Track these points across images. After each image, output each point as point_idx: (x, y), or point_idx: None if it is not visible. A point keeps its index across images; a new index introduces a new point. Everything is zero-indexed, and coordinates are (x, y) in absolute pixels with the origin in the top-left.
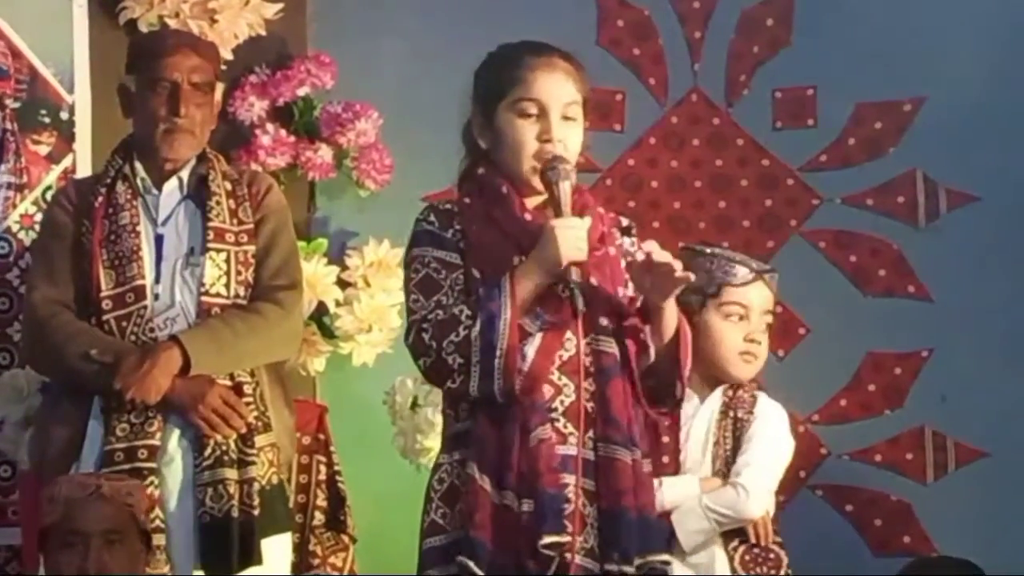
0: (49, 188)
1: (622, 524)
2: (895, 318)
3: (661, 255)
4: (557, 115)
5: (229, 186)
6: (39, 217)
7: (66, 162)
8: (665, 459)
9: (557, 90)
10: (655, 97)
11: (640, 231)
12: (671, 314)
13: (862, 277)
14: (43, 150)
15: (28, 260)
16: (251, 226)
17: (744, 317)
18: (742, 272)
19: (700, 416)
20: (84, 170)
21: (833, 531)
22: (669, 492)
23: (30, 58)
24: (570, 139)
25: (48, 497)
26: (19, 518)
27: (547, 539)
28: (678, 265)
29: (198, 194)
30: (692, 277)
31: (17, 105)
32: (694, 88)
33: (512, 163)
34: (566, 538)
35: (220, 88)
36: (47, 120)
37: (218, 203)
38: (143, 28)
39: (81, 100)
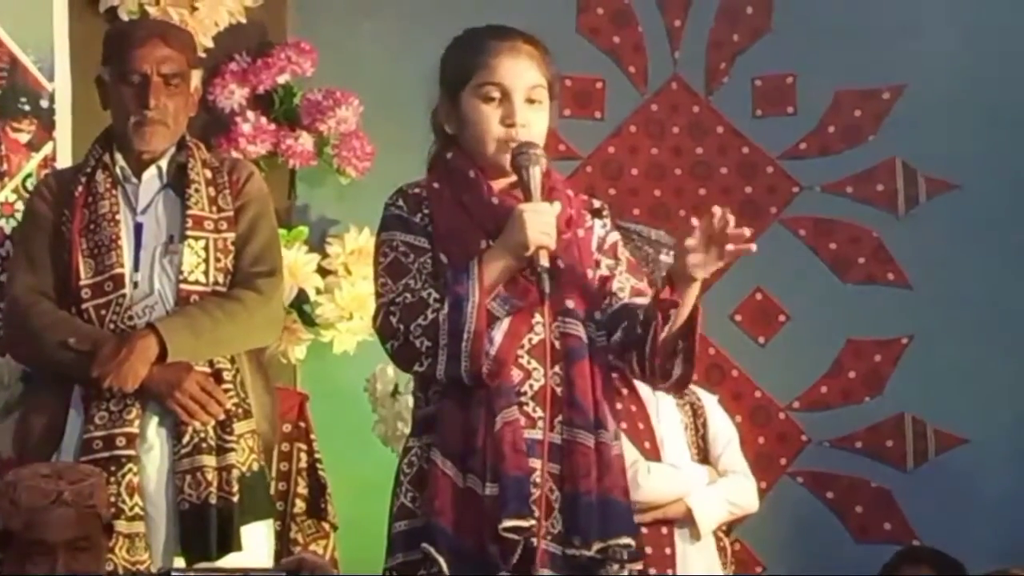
0: (29, 176)
1: (581, 507)
2: (875, 305)
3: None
4: (521, 99)
5: (209, 174)
6: (19, 205)
7: (46, 150)
8: (647, 444)
9: (521, 74)
10: (635, 85)
11: (620, 218)
12: (695, 292)
13: (842, 265)
14: (23, 138)
15: (9, 248)
16: (231, 214)
17: None
18: None
19: (664, 402)
20: (64, 158)
21: (814, 518)
22: (683, 479)
23: (10, 46)
24: (535, 123)
25: (8, 498)
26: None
27: (508, 523)
28: (747, 232)
29: (178, 182)
30: (754, 248)
31: None
32: (674, 76)
33: (477, 147)
34: (529, 522)
35: (197, 75)
36: (27, 108)
37: (197, 191)
38: (123, 16)
39: (61, 88)
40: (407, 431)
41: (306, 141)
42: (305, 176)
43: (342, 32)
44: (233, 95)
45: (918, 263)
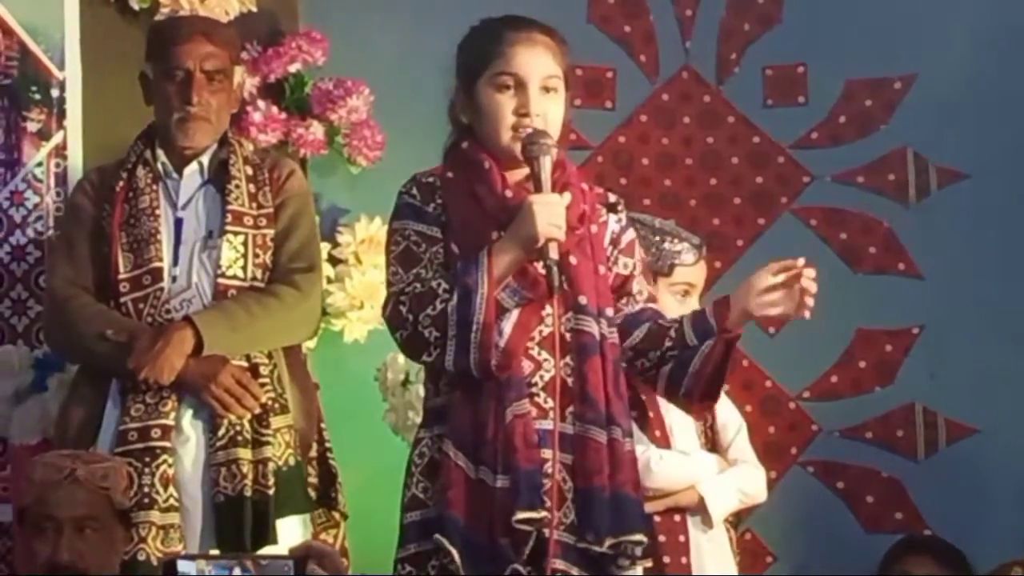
0: (40, 165)
1: (594, 503)
2: (885, 295)
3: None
4: (536, 88)
5: (250, 170)
6: (29, 194)
7: (56, 139)
8: (657, 433)
9: (536, 64)
10: (646, 74)
11: (631, 208)
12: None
13: (853, 254)
14: (33, 127)
15: (19, 237)
16: (271, 210)
17: (688, 293)
18: (692, 251)
19: None
20: (74, 147)
21: (824, 508)
22: (695, 467)
23: (20, 35)
24: (550, 112)
25: (27, 476)
26: (11, 494)
27: (521, 515)
28: (811, 302)
29: (218, 178)
30: (808, 315)
31: (7, 82)
32: (685, 66)
33: (491, 136)
34: (541, 514)
35: (240, 71)
36: (38, 97)
37: (237, 187)
38: (133, 5)
39: (72, 77)
40: (418, 420)
41: (317, 130)
42: (316, 165)
43: (353, 21)
44: (244, 84)
45: (929, 253)
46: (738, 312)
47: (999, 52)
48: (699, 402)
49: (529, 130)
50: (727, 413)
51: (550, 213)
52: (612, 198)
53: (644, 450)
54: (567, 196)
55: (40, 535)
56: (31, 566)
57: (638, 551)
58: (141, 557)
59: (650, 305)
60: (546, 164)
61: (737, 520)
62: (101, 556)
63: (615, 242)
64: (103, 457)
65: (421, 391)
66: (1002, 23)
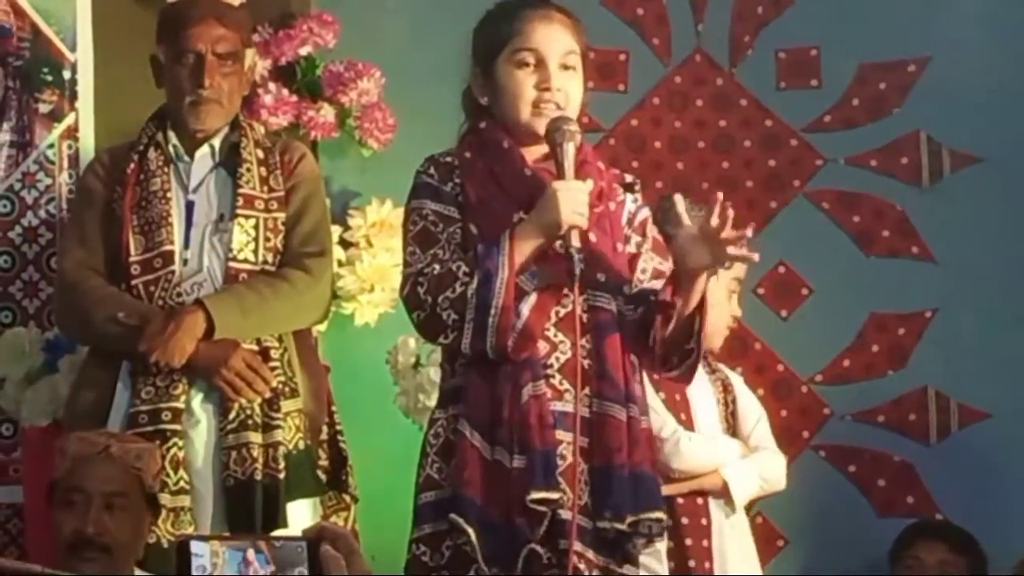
0: (51, 146)
1: (614, 481)
2: (898, 279)
3: (729, 231)
4: (555, 64)
5: (261, 154)
6: (41, 176)
7: (68, 121)
8: (682, 416)
9: (555, 40)
10: (659, 57)
11: (643, 191)
12: (702, 283)
13: (865, 238)
14: (45, 109)
15: (31, 219)
16: (282, 194)
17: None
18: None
19: (697, 375)
20: (86, 129)
21: (836, 492)
22: (720, 451)
23: (32, 16)
24: (570, 88)
25: (59, 450)
26: (22, 476)
27: (535, 494)
28: (749, 232)
29: (230, 161)
30: (756, 257)
31: (19, 63)
32: (698, 48)
33: (511, 113)
34: (556, 494)
35: (251, 54)
36: (49, 78)
37: (249, 170)
38: None
39: (83, 59)
40: (428, 403)
41: (328, 113)
42: (327, 148)
43: (364, 4)
44: (255, 67)
45: (942, 236)
46: (681, 275)
47: (1013, 35)
48: (664, 369)
49: (551, 105)
50: (749, 401)
51: (574, 200)
52: (628, 178)
53: (674, 431)
54: (589, 183)
55: (69, 508)
56: (57, 539)
57: (656, 529)
58: (151, 539)
59: (652, 283)
60: (570, 151)
61: (750, 506)
62: (126, 534)
63: (631, 221)
64: (137, 439)
65: (432, 374)
66: (1016, 5)
